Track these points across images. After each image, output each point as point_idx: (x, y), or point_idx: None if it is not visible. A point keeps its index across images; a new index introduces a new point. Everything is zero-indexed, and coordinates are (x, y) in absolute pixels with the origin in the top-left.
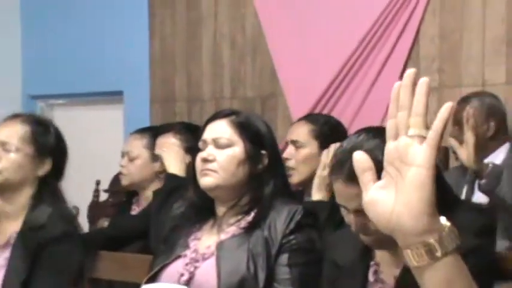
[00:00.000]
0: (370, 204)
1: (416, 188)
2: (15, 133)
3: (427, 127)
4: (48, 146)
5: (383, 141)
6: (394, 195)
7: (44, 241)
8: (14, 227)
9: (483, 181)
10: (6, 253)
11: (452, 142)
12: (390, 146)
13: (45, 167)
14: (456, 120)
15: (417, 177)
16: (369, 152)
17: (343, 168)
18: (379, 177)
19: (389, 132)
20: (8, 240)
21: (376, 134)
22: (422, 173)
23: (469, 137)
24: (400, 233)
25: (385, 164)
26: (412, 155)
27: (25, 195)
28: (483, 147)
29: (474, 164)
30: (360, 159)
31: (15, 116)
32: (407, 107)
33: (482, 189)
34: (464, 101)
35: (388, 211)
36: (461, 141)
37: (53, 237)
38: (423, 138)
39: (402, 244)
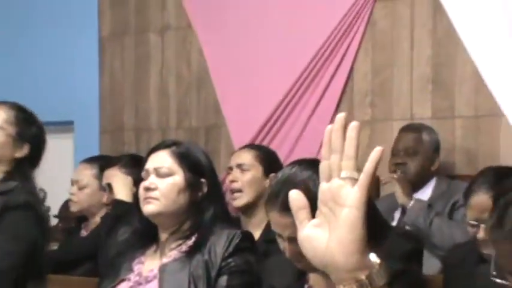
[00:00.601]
0: (305, 241)
1: (348, 228)
2: (0, 115)
3: (358, 169)
4: (29, 133)
5: (314, 173)
6: (328, 233)
7: (5, 207)
8: None
9: (406, 215)
10: None
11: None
12: (324, 187)
13: (23, 151)
14: (405, 148)
15: (349, 216)
16: (301, 182)
17: (277, 199)
18: (311, 205)
19: (322, 174)
20: None
21: (308, 166)
22: (353, 213)
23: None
24: (333, 269)
25: (319, 203)
26: (344, 196)
27: None
28: (424, 180)
29: (404, 200)
30: (296, 197)
31: (1, 102)
32: (339, 150)
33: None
34: (413, 131)
35: (322, 248)
36: (407, 169)
37: (14, 204)
38: (355, 180)
39: (335, 279)
